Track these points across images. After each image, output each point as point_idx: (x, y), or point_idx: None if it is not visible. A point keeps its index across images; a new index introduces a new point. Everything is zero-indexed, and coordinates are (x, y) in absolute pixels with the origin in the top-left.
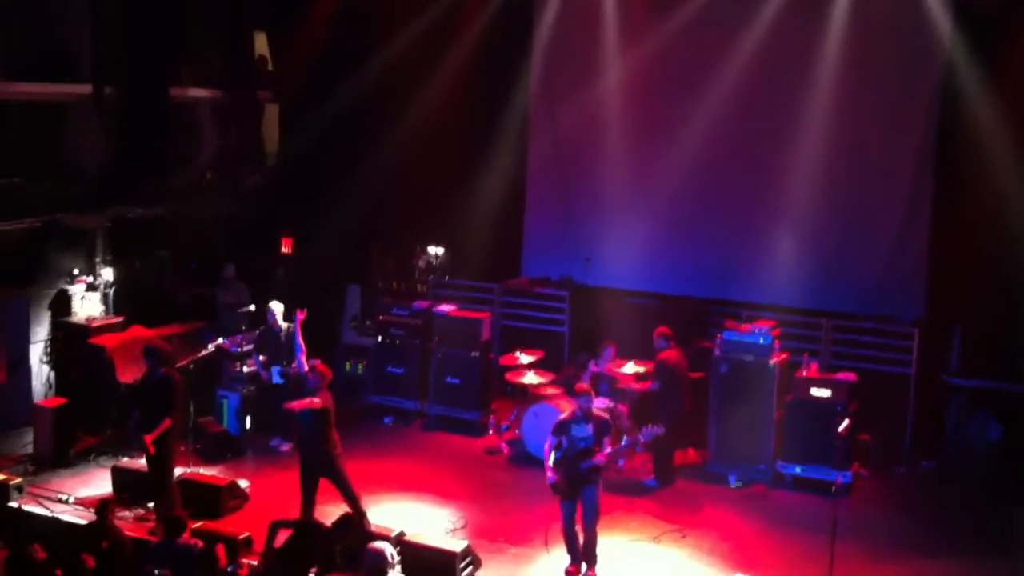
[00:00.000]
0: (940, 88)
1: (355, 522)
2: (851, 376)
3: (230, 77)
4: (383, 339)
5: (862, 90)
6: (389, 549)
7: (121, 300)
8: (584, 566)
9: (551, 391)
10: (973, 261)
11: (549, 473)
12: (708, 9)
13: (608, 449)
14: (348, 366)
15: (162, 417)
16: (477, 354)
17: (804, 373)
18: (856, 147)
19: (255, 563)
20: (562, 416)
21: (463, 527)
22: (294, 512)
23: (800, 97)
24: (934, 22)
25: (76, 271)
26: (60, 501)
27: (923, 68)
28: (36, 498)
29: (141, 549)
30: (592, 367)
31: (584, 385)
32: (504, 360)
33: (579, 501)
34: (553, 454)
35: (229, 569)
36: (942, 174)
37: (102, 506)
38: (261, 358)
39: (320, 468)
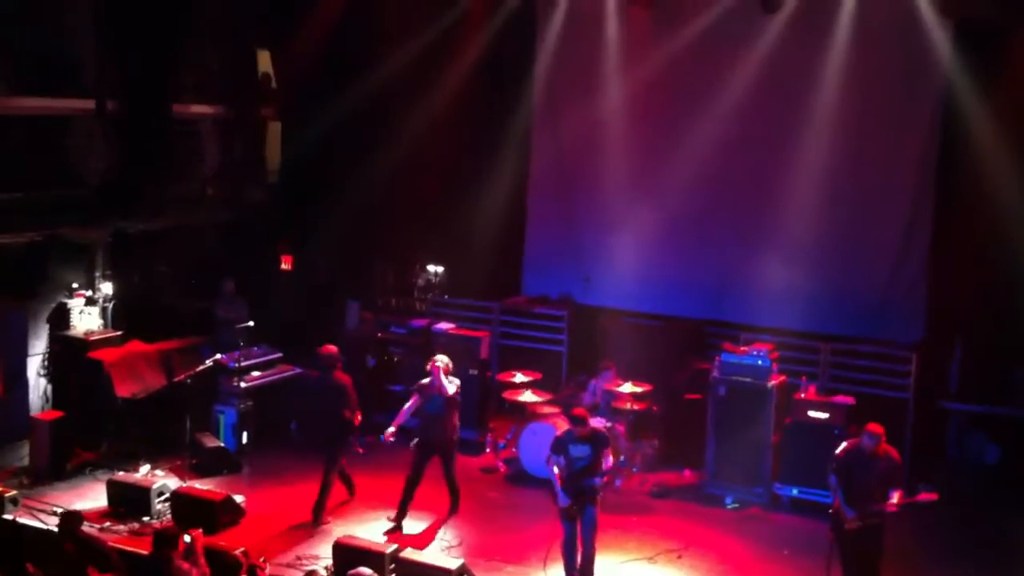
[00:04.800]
0: (940, 108)
1: None
2: (849, 399)
3: (233, 93)
4: (382, 356)
5: (862, 111)
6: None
7: (120, 314)
8: None
9: (549, 410)
10: (973, 284)
11: (561, 497)
12: (710, 26)
13: (609, 461)
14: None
15: (344, 415)
16: (475, 372)
17: (802, 395)
18: (856, 169)
19: None
20: (558, 433)
21: (459, 545)
22: (287, 526)
23: (800, 117)
24: (933, 38)
25: (75, 285)
26: (55, 514)
27: (924, 92)
28: (31, 511)
29: (132, 562)
30: (590, 393)
31: (581, 411)
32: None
33: (579, 520)
34: (557, 481)
35: None
36: (942, 196)
37: (66, 518)
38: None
39: (440, 447)
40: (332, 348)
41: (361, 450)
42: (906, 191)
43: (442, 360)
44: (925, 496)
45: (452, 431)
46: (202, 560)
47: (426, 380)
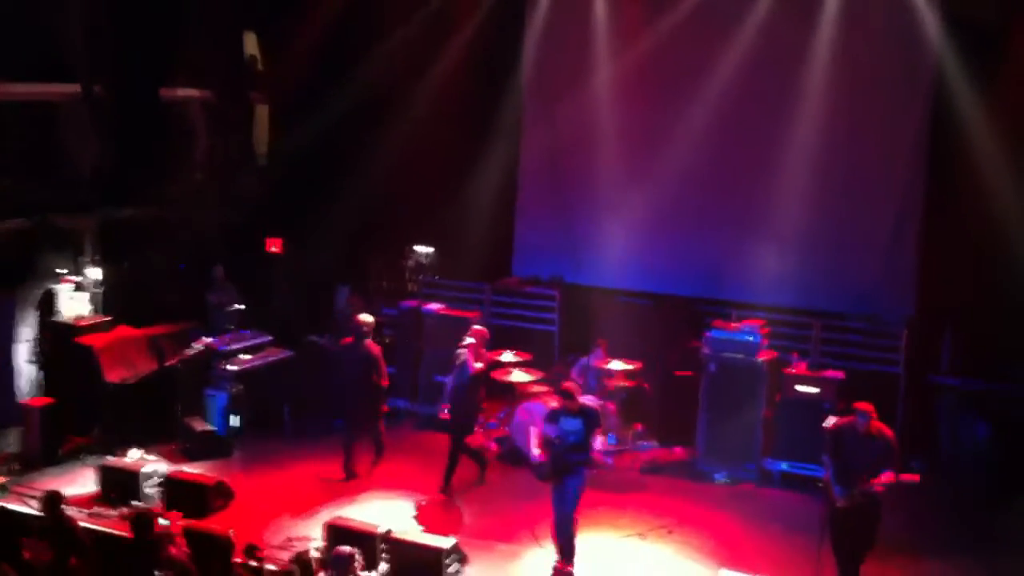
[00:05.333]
0: (932, 91)
1: None
2: (839, 374)
3: (222, 77)
4: (373, 338)
5: (854, 92)
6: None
7: (110, 300)
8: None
9: (539, 389)
10: (964, 262)
11: (535, 451)
12: (700, 11)
13: (598, 447)
14: None
15: (375, 381)
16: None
17: (793, 371)
18: (848, 148)
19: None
20: (554, 405)
21: (451, 523)
22: (279, 509)
23: (792, 99)
24: (925, 26)
25: (64, 271)
26: None
27: (915, 71)
28: (21, 497)
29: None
30: (577, 372)
31: (570, 384)
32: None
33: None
34: (534, 437)
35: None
36: (933, 175)
37: (49, 499)
38: None
39: (456, 420)
40: (366, 318)
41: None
42: (898, 172)
43: (477, 332)
44: (907, 477)
45: (471, 406)
46: (180, 540)
47: (460, 351)
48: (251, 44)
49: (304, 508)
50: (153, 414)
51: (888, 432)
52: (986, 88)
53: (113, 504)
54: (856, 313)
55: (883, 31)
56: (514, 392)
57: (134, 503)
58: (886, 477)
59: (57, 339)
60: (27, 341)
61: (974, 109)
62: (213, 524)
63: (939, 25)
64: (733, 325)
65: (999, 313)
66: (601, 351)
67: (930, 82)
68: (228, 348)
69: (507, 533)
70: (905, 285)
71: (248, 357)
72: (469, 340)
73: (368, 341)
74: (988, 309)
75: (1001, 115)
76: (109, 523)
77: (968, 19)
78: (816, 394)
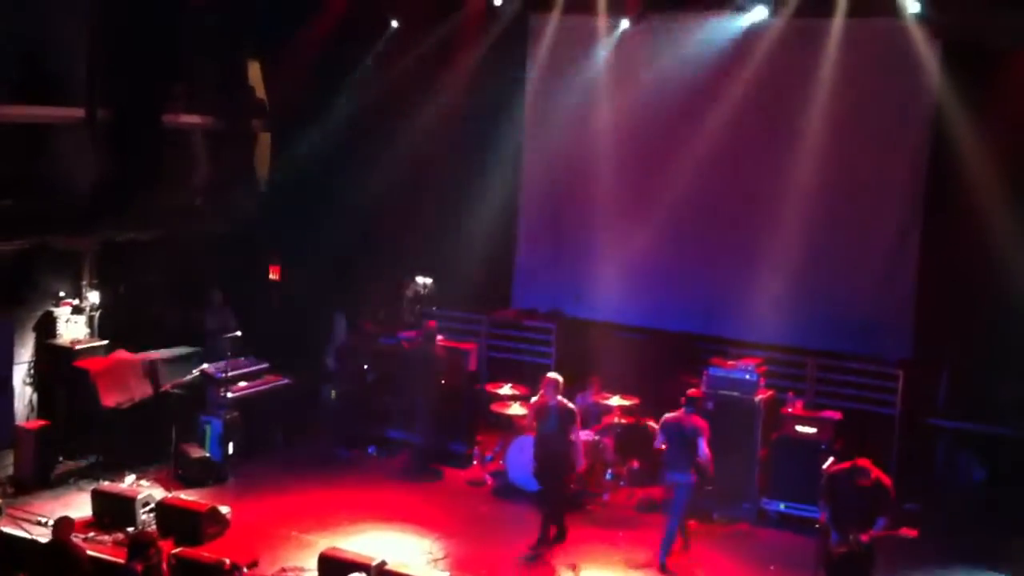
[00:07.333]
0: (929, 127)
1: None
2: (836, 414)
3: (223, 104)
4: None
5: (851, 129)
6: None
7: (107, 323)
8: None
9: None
10: (961, 302)
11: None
12: (701, 48)
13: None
14: (334, 394)
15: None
16: (463, 385)
17: (789, 410)
18: (845, 185)
19: None
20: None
21: (445, 558)
22: (274, 538)
23: (790, 136)
24: (923, 59)
25: (62, 293)
26: (39, 524)
27: (912, 106)
28: (15, 520)
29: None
30: (579, 401)
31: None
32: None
33: None
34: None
35: None
36: (931, 214)
37: (59, 524)
38: None
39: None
40: (434, 322)
41: None
42: (895, 209)
43: (550, 381)
44: (906, 531)
45: (566, 463)
46: (164, 568)
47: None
48: (254, 73)
49: (300, 537)
50: (148, 439)
51: (886, 481)
52: (983, 127)
53: (107, 529)
54: (856, 353)
55: (882, 70)
56: (510, 425)
57: (129, 529)
58: (881, 527)
59: (54, 362)
60: (24, 363)
61: (973, 150)
62: (208, 552)
63: (938, 62)
64: (730, 363)
65: (996, 355)
66: (595, 387)
67: (928, 122)
68: (225, 375)
69: (500, 569)
70: (902, 325)
71: (244, 384)
72: (557, 397)
73: (437, 345)
74: (985, 351)
75: (1001, 155)
76: (103, 549)
77: (968, 57)
78: (813, 434)
